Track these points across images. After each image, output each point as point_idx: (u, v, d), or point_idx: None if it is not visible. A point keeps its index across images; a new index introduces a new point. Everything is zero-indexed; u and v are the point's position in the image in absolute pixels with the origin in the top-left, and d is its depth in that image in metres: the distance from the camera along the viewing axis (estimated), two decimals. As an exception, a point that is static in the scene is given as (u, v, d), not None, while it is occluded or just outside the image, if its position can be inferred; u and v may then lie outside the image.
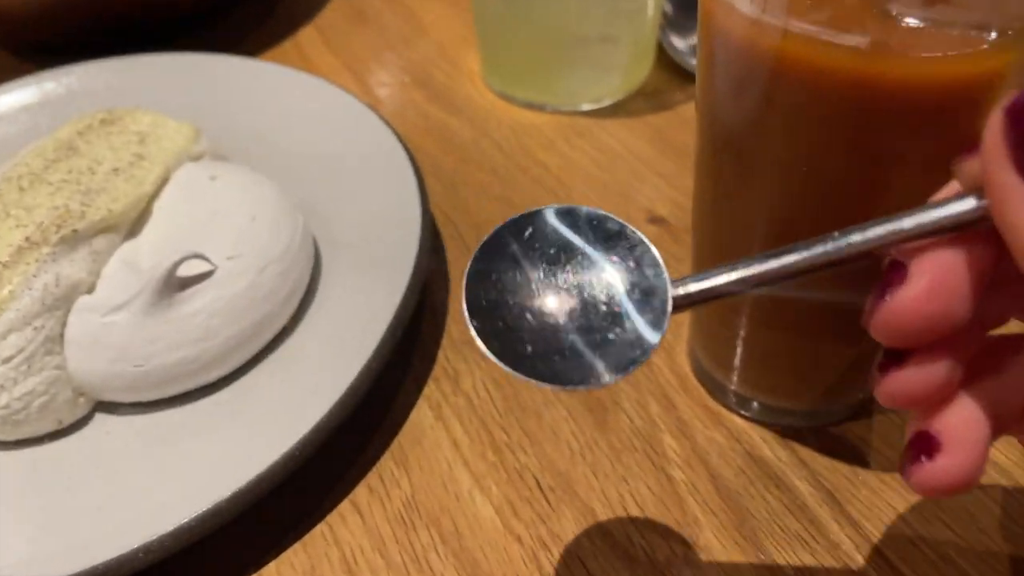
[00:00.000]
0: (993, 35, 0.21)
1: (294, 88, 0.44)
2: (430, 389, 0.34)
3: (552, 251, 0.20)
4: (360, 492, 0.31)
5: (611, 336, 0.19)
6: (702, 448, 0.32)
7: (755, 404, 0.32)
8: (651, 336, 0.19)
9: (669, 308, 0.19)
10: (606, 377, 0.19)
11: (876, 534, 0.29)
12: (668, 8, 0.48)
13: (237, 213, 0.35)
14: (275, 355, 0.34)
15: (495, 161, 0.45)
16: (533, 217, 0.20)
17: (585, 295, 0.20)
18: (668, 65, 0.49)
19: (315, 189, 0.40)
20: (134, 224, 0.35)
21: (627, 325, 0.19)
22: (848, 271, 0.22)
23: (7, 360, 0.30)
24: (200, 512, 0.27)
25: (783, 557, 0.28)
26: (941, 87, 0.21)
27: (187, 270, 0.32)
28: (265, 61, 0.47)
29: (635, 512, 0.30)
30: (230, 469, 0.28)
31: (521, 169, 0.44)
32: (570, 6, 0.44)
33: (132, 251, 0.34)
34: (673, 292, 0.20)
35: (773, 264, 0.19)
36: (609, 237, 0.20)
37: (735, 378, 0.32)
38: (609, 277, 0.20)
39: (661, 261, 0.20)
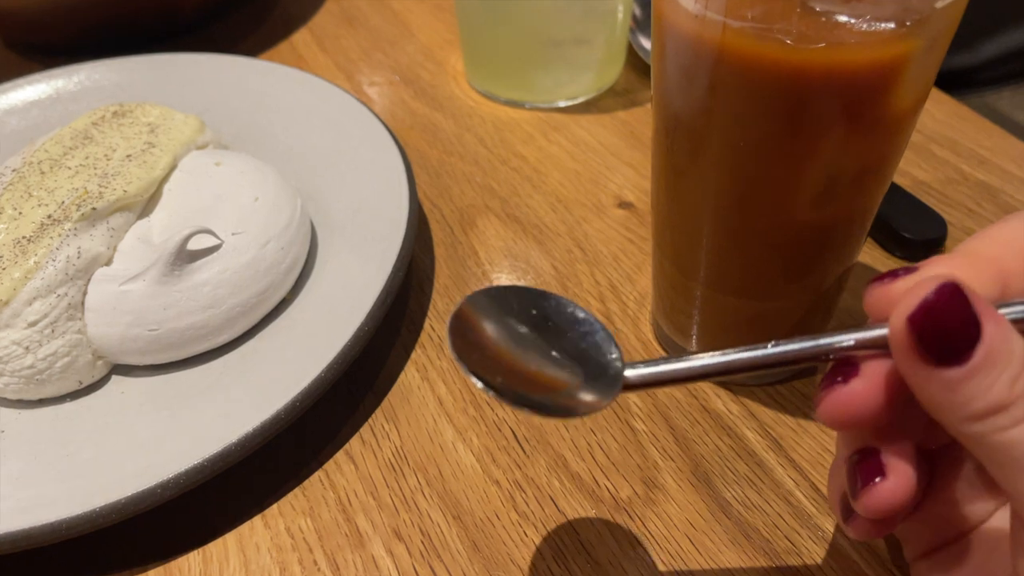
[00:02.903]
0: (893, 25, 0.24)
1: (291, 85, 0.48)
2: (417, 354, 0.38)
3: (527, 317, 0.24)
4: (354, 443, 0.35)
5: (572, 391, 0.23)
6: (662, 403, 0.35)
7: (710, 365, 0.36)
8: (603, 399, 0.23)
9: (619, 387, 0.23)
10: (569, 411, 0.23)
11: (815, 475, 0.32)
12: (637, 11, 0.52)
13: (240, 194, 0.38)
14: (276, 323, 0.37)
15: (477, 153, 0.48)
16: (513, 289, 0.24)
17: (552, 357, 0.23)
18: (637, 65, 0.53)
19: (312, 177, 0.43)
20: (147, 205, 0.38)
21: (584, 387, 0.23)
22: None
23: (33, 324, 0.34)
24: (212, 453, 0.30)
25: (732, 495, 0.32)
26: (855, 70, 0.25)
27: (196, 244, 0.35)
28: (265, 60, 0.50)
29: (601, 459, 0.33)
30: (237, 419, 0.32)
31: (501, 160, 0.48)
32: (547, 11, 0.48)
33: (145, 228, 0.37)
34: (626, 375, 0.23)
35: (717, 361, 0.23)
36: (576, 322, 0.24)
37: (693, 342, 0.36)
38: (572, 351, 0.24)
39: (618, 348, 0.24)
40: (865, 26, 0.25)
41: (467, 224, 0.44)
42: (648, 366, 0.23)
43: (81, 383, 0.35)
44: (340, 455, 0.34)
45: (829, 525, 0.31)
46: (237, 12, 0.63)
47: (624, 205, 0.44)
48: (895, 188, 0.43)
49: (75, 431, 0.34)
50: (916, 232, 0.40)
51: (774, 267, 0.31)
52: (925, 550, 0.25)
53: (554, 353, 0.24)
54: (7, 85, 0.50)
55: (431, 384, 0.37)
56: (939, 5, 0.24)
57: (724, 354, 0.23)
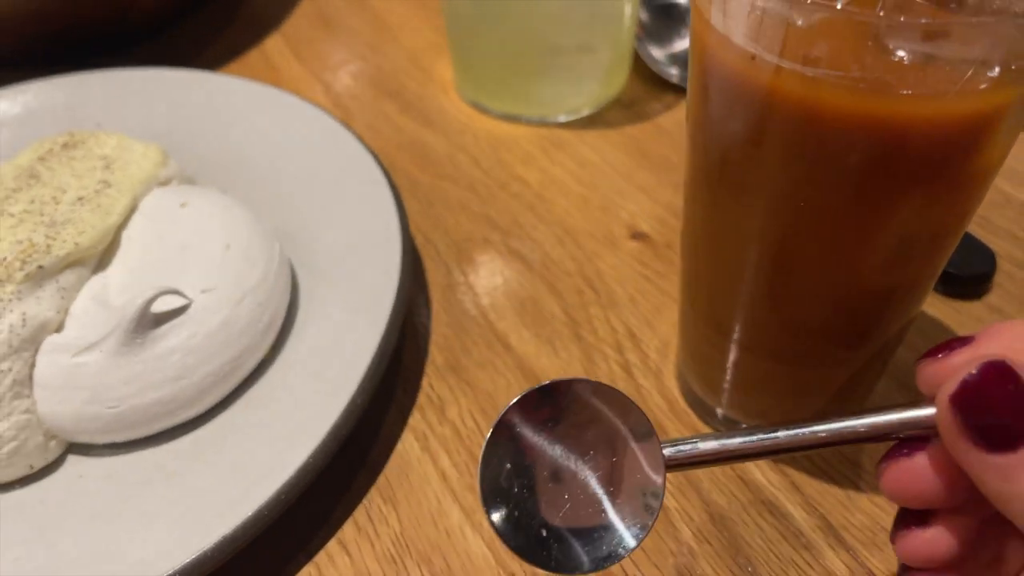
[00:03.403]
0: (996, 71, 0.20)
1: (265, 105, 0.43)
2: (415, 419, 0.34)
3: (557, 435, 0.21)
4: (348, 530, 0.31)
5: (613, 514, 0.21)
6: (694, 474, 0.31)
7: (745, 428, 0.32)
8: (652, 502, 0.21)
9: (663, 480, 0.21)
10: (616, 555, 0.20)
11: (870, 559, 0.29)
12: (644, 16, 0.48)
13: (210, 242, 0.33)
14: (254, 389, 0.33)
15: (472, 177, 0.44)
16: (539, 397, 0.21)
17: (589, 479, 0.21)
18: (644, 74, 0.48)
19: (289, 211, 0.39)
20: (102, 256, 0.33)
21: (625, 503, 0.21)
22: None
23: (-28, 406, 0.29)
24: (184, 563, 0.26)
25: (779, 586, 0.28)
26: (942, 125, 0.21)
27: (161, 306, 0.31)
28: (232, 75, 0.45)
29: (629, 543, 0.29)
30: (212, 515, 0.28)
31: (500, 185, 0.43)
32: (547, 14, 0.43)
33: (101, 286, 0.32)
34: (665, 457, 0.21)
35: (761, 440, 0.21)
36: (607, 406, 0.21)
37: (724, 401, 0.32)
38: (608, 458, 0.21)
39: (655, 430, 0.21)
40: (957, 72, 0.20)
41: (465, 261, 0.40)
42: (685, 444, 0.21)
43: (32, 467, 0.31)
44: (332, 544, 0.30)
45: (892, 623, 0.27)
46: (200, 15, 0.57)
47: (638, 236, 0.40)
48: (935, 214, 0.39)
49: (26, 527, 0.29)
50: (963, 267, 0.36)
51: (825, 333, 0.27)
52: None
53: (590, 469, 0.21)
54: (-54, 107, 0.45)
55: (432, 455, 0.32)
56: (1049, 47, 0.20)
57: (765, 432, 0.21)
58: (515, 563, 0.29)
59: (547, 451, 0.21)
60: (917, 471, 0.20)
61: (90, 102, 0.44)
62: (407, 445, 0.33)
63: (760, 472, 0.31)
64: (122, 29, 0.52)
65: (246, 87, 0.44)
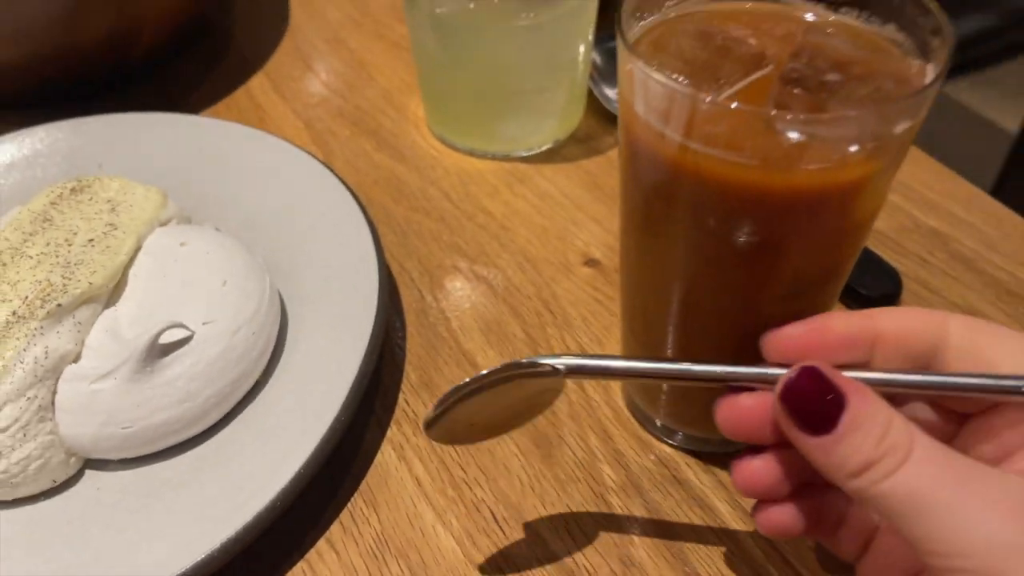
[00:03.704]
0: (859, 148, 0.25)
1: (252, 145, 0.47)
2: (392, 432, 0.38)
3: (485, 389, 0.29)
4: (334, 530, 0.35)
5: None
6: (635, 475, 0.36)
7: (680, 434, 0.37)
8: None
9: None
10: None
11: (784, 545, 0.34)
12: (597, 58, 0.52)
13: (209, 279, 0.38)
14: (250, 409, 0.37)
15: (443, 209, 0.48)
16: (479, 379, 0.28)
17: (506, 402, 0.30)
18: (598, 111, 0.53)
19: (277, 246, 0.43)
20: (112, 293, 0.37)
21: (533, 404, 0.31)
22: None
23: (4, 430, 0.33)
24: (196, 561, 0.30)
25: (706, 570, 0.33)
26: (820, 192, 0.26)
27: (167, 337, 0.35)
28: (221, 117, 0.50)
29: (579, 536, 0.34)
30: (216, 521, 0.32)
31: (467, 216, 0.48)
32: (508, 60, 0.48)
33: (113, 319, 0.36)
34: (565, 366, 0.29)
35: (634, 365, 0.29)
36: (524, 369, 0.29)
37: (661, 412, 0.37)
38: (522, 387, 0.29)
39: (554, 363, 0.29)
40: (830, 150, 0.25)
41: (436, 287, 0.44)
42: (577, 359, 0.29)
43: (55, 482, 0.35)
44: (321, 543, 0.35)
45: (799, 600, 0.32)
46: (190, 55, 0.62)
47: (591, 263, 0.45)
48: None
49: (51, 535, 0.33)
50: (872, 288, 0.41)
51: (739, 354, 0.32)
52: (857, 551, 0.28)
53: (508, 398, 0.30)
54: (-44, 149, 0.49)
55: (408, 464, 0.37)
56: (898, 131, 0.25)
57: (640, 361, 0.29)
58: (481, 556, 0.34)
59: (476, 397, 0.28)
60: (743, 409, 0.27)
61: (92, 144, 0.48)
62: (386, 455, 0.37)
63: (692, 472, 0.36)
64: (120, 72, 0.56)
65: (236, 130, 0.48)
